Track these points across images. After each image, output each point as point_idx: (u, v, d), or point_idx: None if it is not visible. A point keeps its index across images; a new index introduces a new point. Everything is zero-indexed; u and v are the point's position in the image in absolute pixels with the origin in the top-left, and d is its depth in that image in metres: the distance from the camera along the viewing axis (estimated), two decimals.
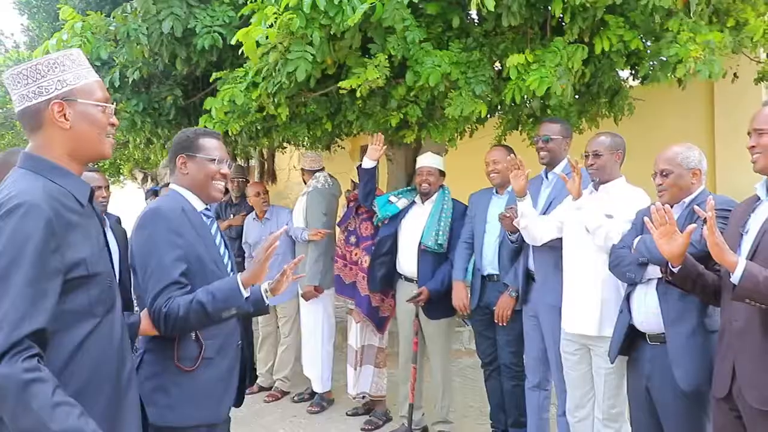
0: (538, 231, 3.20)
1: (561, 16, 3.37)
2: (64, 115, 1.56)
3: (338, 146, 6.81)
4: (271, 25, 3.10)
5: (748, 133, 2.24)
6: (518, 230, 3.28)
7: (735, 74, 5.12)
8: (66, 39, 3.67)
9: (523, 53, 3.41)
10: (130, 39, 3.77)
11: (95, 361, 1.54)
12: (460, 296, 3.79)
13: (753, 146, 2.22)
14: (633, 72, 4.57)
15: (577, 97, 4.68)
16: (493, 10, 3.01)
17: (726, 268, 2.11)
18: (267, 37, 3.13)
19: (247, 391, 5.10)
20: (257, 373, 5.33)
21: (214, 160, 2.23)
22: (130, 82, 4.28)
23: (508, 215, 3.34)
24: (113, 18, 3.84)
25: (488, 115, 5.01)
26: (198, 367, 2.08)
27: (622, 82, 4.73)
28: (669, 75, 3.67)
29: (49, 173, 1.54)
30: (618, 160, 3.05)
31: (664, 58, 3.58)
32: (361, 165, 4.15)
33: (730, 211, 2.40)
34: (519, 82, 3.39)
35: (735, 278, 2.03)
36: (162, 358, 2.06)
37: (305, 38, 3.20)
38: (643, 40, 3.69)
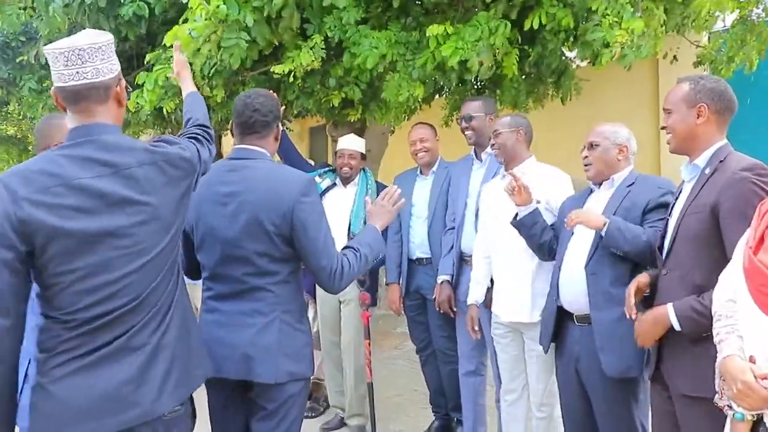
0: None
1: None
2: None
3: (286, 128, 6.66)
4: (200, 17, 2.99)
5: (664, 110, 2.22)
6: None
7: (675, 56, 5.16)
8: None
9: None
10: (47, 8, 3.54)
11: None
12: (394, 299, 3.70)
13: (663, 126, 2.21)
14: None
15: (523, 77, 4.65)
16: None
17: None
18: (193, 32, 3.03)
19: None
20: None
21: (282, 129, 2.39)
22: None
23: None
24: None
25: (434, 96, 4.96)
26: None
27: (568, 62, 4.71)
28: (593, 53, 3.64)
29: None
30: (521, 139, 2.98)
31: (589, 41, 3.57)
32: None
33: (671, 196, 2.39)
34: (435, 52, 3.34)
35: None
36: (298, 318, 2.19)
37: (239, 24, 3.09)
38: (585, 19, 3.65)
